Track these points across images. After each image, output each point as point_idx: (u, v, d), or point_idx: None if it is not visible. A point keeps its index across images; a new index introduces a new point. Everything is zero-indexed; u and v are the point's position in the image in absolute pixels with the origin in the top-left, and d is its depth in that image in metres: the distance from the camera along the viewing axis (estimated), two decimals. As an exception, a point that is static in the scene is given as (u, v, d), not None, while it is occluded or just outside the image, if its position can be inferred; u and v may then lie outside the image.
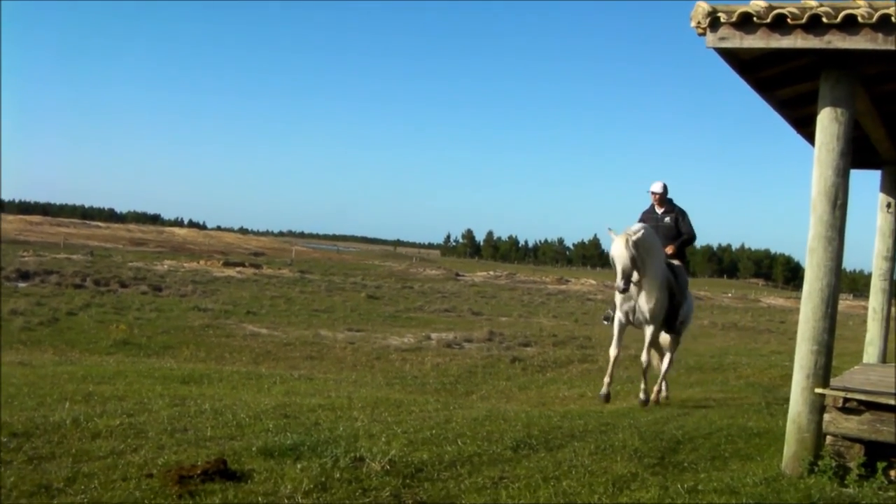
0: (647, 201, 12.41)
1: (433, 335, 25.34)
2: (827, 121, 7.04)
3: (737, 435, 8.87)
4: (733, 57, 7.43)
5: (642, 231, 10.96)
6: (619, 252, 10.74)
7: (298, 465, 6.07)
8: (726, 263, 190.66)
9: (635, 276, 10.97)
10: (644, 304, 11.23)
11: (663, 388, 12.38)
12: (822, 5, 6.63)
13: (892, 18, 6.43)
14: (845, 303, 68.08)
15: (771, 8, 6.74)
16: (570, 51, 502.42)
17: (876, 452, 7.13)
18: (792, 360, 7.37)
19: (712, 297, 78.32)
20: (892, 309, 11.60)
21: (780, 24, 6.77)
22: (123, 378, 11.12)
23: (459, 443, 7.26)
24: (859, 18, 6.52)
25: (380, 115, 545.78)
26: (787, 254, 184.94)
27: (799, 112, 9.34)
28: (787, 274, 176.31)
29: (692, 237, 12.35)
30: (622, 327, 11.57)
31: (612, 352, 11.65)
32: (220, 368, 14.60)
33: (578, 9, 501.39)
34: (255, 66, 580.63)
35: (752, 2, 6.82)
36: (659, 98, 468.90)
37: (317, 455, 6.35)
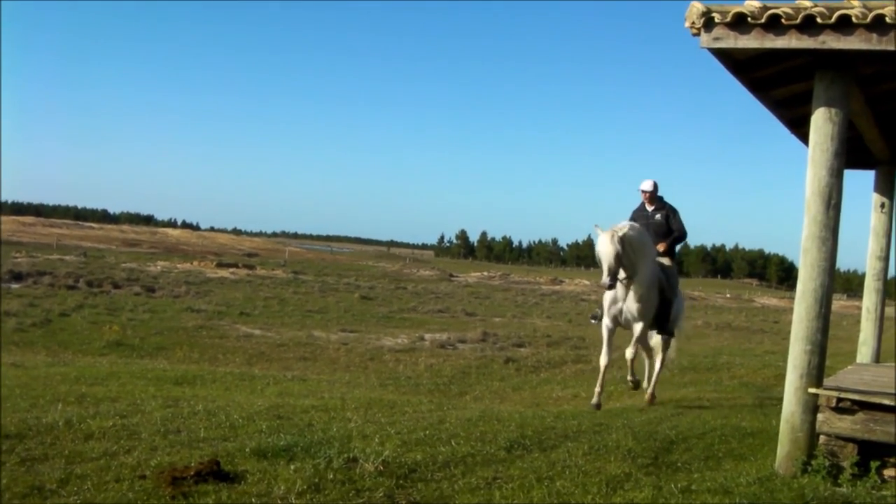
0: (640, 201, 12.38)
1: (427, 336, 25.35)
2: (821, 121, 7.05)
3: (730, 435, 8.88)
4: (728, 57, 7.43)
5: (630, 228, 10.91)
6: (604, 248, 10.64)
7: (292, 466, 6.06)
8: (720, 263, 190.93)
9: (622, 273, 10.87)
10: (632, 304, 11.09)
11: (644, 386, 12.29)
12: (816, 5, 6.63)
13: (887, 19, 6.43)
14: (839, 303, 68.14)
15: (765, 8, 6.75)
16: (566, 51, 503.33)
17: (869, 452, 7.15)
18: (786, 360, 7.37)
19: (706, 297, 78.44)
20: (886, 309, 11.62)
21: (774, 25, 6.77)
22: (116, 379, 11.10)
23: (453, 443, 7.25)
24: (853, 19, 6.53)
25: (374, 116, 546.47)
26: (780, 254, 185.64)
27: (793, 112, 9.34)
28: (781, 274, 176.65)
29: (683, 235, 12.30)
30: (611, 333, 11.38)
31: (603, 360, 11.46)
32: (213, 369, 14.58)
33: (574, 9, 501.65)
34: (249, 67, 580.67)
35: (746, 2, 6.82)
36: (653, 98, 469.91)
37: (310, 456, 6.34)
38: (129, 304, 28.53)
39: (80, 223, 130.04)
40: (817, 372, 7.13)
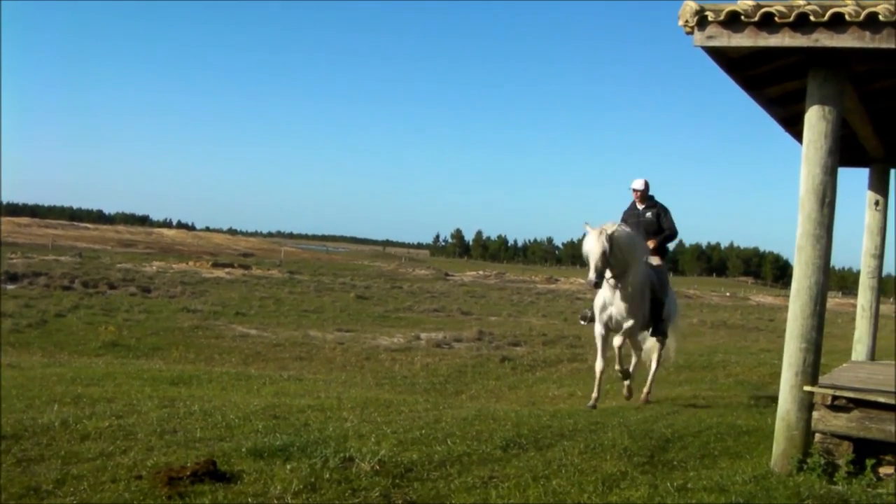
0: (631, 200, 12.38)
1: (423, 335, 25.33)
2: (815, 119, 7.06)
3: (726, 433, 8.89)
4: (721, 55, 7.44)
5: (618, 228, 10.92)
6: (591, 245, 10.62)
7: (288, 466, 6.06)
8: (715, 262, 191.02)
9: (608, 273, 10.85)
10: (621, 304, 11.04)
11: (626, 384, 12.19)
12: (809, 4, 6.65)
13: (880, 17, 6.45)
14: (834, 300, 68.29)
15: (758, 6, 6.76)
16: (561, 51, 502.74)
17: (865, 450, 7.16)
18: (781, 358, 7.39)
19: (701, 295, 78.46)
20: (881, 306, 11.63)
21: (767, 23, 6.79)
22: (112, 380, 11.08)
23: (449, 442, 7.26)
24: (847, 17, 6.54)
25: (371, 116, 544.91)
26: (775, 252, 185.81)
27: (787, 110, 9.36)
28: (776, 272, 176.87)
29: (674, 233, 12.29)
30: (604, 339, 11.35)
31: (598, 366, 11.45)
32: (209, 370, 14.57)
33: (573, 9, 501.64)
34: (246, 67, 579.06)
35: (739, 0, 6.84)
36: (650, 98, 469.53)
37: (306, 456, 6.34)
38: (124, 305, 28.50)
39: (76, 224, 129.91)
40: (812, 370, 7.14)
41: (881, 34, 6.54)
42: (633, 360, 12.33)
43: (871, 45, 6.59)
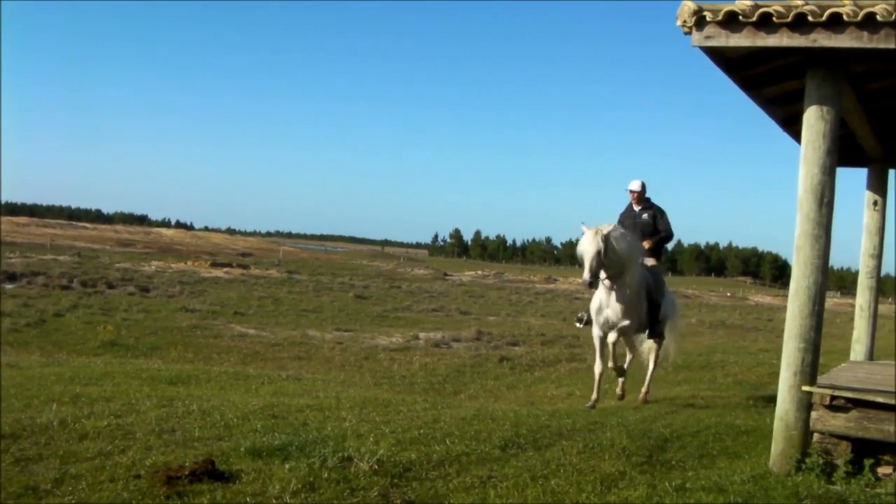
0: (629, 202, 12.38)
1: (421, 335, 25.33)
2: (813, 119, 7.07)
3: (724, 433, 8.90)
4: (719, 55, 7.45)
5: (614, 229, 10.92)
6: (586, 245, 10.61)
7: (286, 466, 6.06)
8: (714, 262, 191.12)
9: (603, 274, 10.84)
10: (617, 305, 11.02)
11: (620, 382, 12.16)
12: (807, 4, 6.65)
13: (878, 17, 6.46)
14: (832, 300, 68.28)
15: (756, 6, 6.77)
16: (561, 51, 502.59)
17: (863, 450, 7.17)
18: (779, 358, 7.38)
19: (700, 295, 78.49)
20: (880, 306, 11.64)
21: (765, 23, 6.79)
22: (111, 379, 11.08)
23: (448, 442, 7.26)
24: (845, 17, 6.55)
25: (369, 116, 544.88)
26: (774, 252, 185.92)
27: (785, 110, 9.37)
28: (775, 272, 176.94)
29: (669, 235, 12.29)
30: (602, 341, 11.32)
31: (597, 368, 11.46)
32: (207, 369, 14.56)
33: (574, 9, 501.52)
34: (244, 67, 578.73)
35: (737, 1, 6.84)
36: (648, 98, 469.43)
37: (305, 455, 6.34)
38: (123, 304, 28.49)
39: (74, 223, 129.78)
40: (811, 370, 7.15)
41: (879, 34, 6.54)
42: (628, 358, 12.32)
43: (869, 46, 6.60)
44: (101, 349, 18.71)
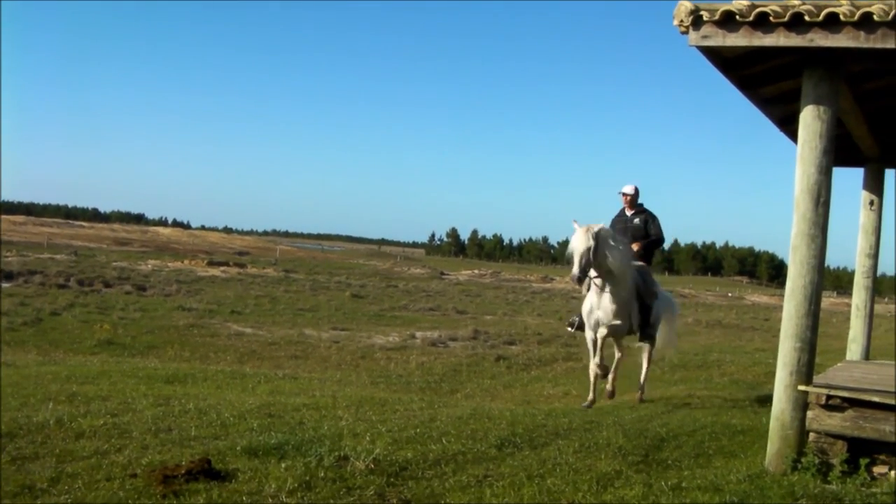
0: (621, 206, 12.36)
1: (418, 334, 25.35)
2: (810, 118, 7.07)
3: (721, 432, 8.90)
4: (716, 55, 7.45)
5: (605, 227, 10.96)
6: (576, 242, 10.65)
7: (283, 465, 6.06)
8: (710, 261, 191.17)
9: (593, 273, 10.87)
10: (608, 305, 11.05)
11: (610, 378, 12.16)
12: (804, 3, 6.65)
13: (875, 16, 6.46)
14: (829, 300, 68.39)
15: (753, 6, 6.77)
16: (561, 51, 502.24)
17: (859, 449, 7.18)
18: (776, 358, 7.39)
19: (696, 294, 78.56)
20: (876, 306, 11.64)
21: (762, 23, 6.80)
22: (107, 378, 11.07)
23: (444, 441, 7.27)
24: (841, 16, 6.55)
25: (366, 116, 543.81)
26: (770, 251, 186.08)
27: (782, 110, 9.37)
28: (771, 271, 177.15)
29: (661, 240, 12.27)
30: (595, 343, 11.38)
31: (593, 368, 11.55)
32: (204, 368, 14.56)
33: (574, 9, 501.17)
34: (243, 66, 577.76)
35: (734, 0, 6.84)
36: (642, 97, 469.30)
37: (301, 454, 6.34)
38: (120, 303, 28.48)
39: (71, 222, 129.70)
40: (807, 369, 7.15)
41: (876, 34, 6.55)
42: (617, 356, 12.33)
43: (865, 45, 6.60)
44: (98, 348, 18.72)
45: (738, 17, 6.82)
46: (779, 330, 7.43)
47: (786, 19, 6.68)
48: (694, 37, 7.01)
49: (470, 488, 6.03)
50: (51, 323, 22.38)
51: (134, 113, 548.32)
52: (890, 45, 6.54)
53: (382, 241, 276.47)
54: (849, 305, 12.56)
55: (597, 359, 11.34)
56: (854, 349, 11.52)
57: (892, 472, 7.10)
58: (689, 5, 6.94)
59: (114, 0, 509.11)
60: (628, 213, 12.20)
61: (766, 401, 10.12)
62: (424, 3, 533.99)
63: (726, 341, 30.07)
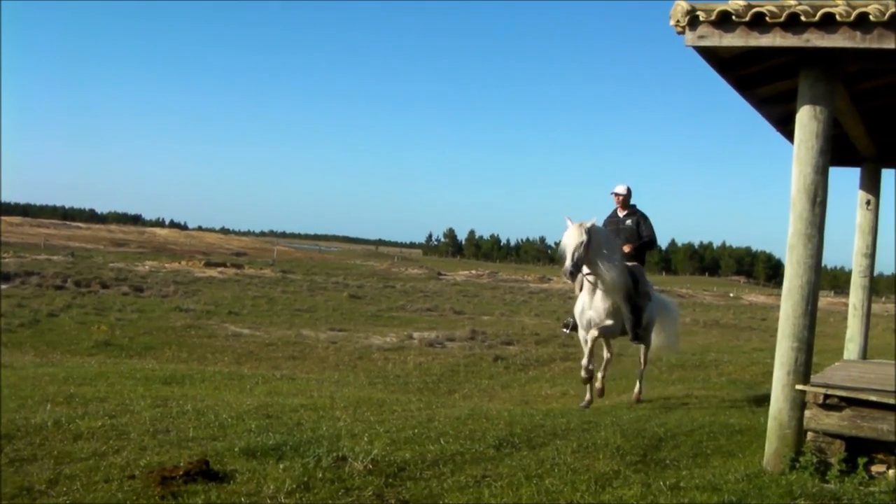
0: (613, 207, 12.36)
1: (415, 334, 25.34)
2: (806, 118, 7.08)
3: (719, 432, 8.91)
4: (712, 55, 7.46)
5: (596, 223, 10.97)
6: (568, 237, 10.66)
7: (281, 465, 6.07)
8: (708, 261, 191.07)
9: (585, 269, 10.87)
10: (599, 303, 11.05)
11: (599, 377, 12.14)
12: (800, 4, 6.66)
13: (871, 17, 6.47)
14: (826, 300, 68.41)
15: (749, 6, 6.78)
16: (561, 51, 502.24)
17: (857, 448, 7.19)
18: (773, 357, 7.40)
19: (694, 294, 78.56)
20: (873, 305, 11.65)
21: (758, 23, 6.81)
22: (105, 379, 11.07)
23: (442, 442, 7.27)
24: (837, 17, 6.56)
25: (365, 116, 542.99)
26: (768, 251, 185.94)
27: (779, 110, 9.39)
28: (769, 271, 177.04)
29: (653, 241, 12.23)
30: (594, 338, 11.42)
31: (585, 370, 11.51)
32: (202, 369, 14.56)
33: (568, 9, 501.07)
34: (239, 66, 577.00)
35: (730, 0, 6.85)
36: (639, 97, 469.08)
37: (299, 455, 6.35)
38: (117, 304, 28.46)
39: (68, 223, 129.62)
40: (804, 369, 7.16)
41: (872, 34, 6.56)
42: (606, 356, 12.33)
43: (861, 45, 6.61)
44: (96, 349, 18.70)
45: (734, 17, 6.83)
46: (776, 330, 7.44)
47: (782, 19, 6.69)
48: (690, 37, 7.01)
49: (468, 489, 6.04)
50: (48, 324, 22.36)
51: (132, 113, 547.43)
52: (886, 45, 6.55)
53: (380, 242, 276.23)
54: (846, 305, 12.56)
55: (584, 361, 11.35)
56: (851, 348, 11.53)
57: (890, 471, 7.11)
58: (686, 5, 6.95)
59: (114, 0, 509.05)
60: (620, 213, 12.19)
61: (763, 400, 10.13)
62: (424, 3, 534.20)
63: (724, 341, 30.08)
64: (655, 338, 12.60)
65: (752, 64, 7.81)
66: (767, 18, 6.74)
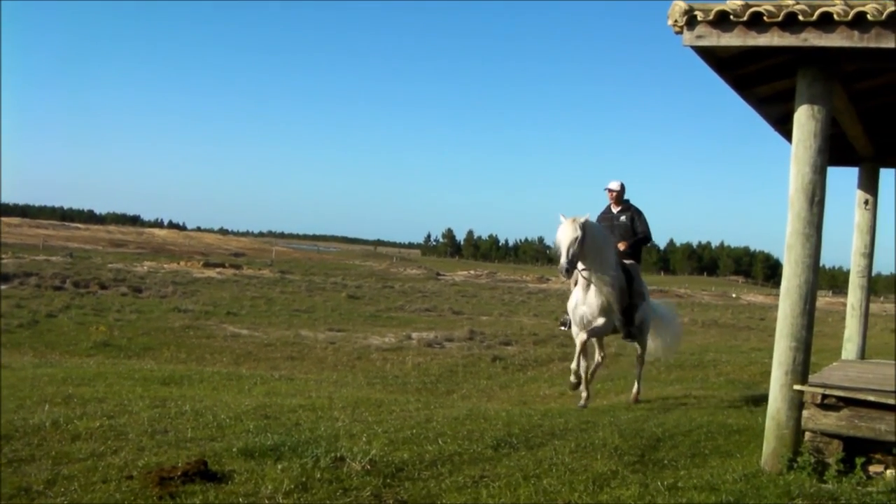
0: (606, 203, 12.36)
1: (414, 335, 25.34)
2: (804, 118, 7.08)
3: (717, 432, 8.91)
4: (710, 55, 7.46)
5: (590, 218, 10.98)
6: (563, 233, 10.65)
7: (279, 466, 6.07)
8: (706, 261, 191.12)
9: (581, 265, 10.87)
10: (592, 299, 11.05)
11: (590, 377, 12.14)
12: (798, 3, 6.67)
13: (868, 16, 6.47)
14: (824, 299, 68.44)
15: (747, 6, 6.78)
16: (557, 51, 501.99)
17: (854, 448, 7.18)
18: (771, 357, 7.40)
19: (692, 294, 78.56)
20: (871, 305, 11.65)
21: (756, 22, 6.81)
22: (103, 380, 11.08)
23: (440, 442, 7.27)
24: (835, 16, 6.57)
25: (364, 116, 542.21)
26: (766, 251, 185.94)
27: (777, 110, 9.39)
28: (767, 271, 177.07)
29: (648, 237, 12.20)
30: (583, 342, 11.41)
31: (583, 367, 11.59)
32: (200, 369, 14.56)
33: (568, 9, 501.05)
34: (239, 67, 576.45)
35: (728, 0, 6.86)
36: (638, 97, 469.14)
37: (297, 455, 6.35)
38: (115, 305, 28.46)
39: (66, 224, 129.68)
40: (802, 368, 7.16)
41: (869, 34, 6.56)
42: (597, 358, 12.32)
43: (859, 45, 6.62)
44: (94, 350, 18.69)
45: (732, 16, 6.83)
46: (774, 329, 7.45)
47: (780, 19, 6.69)
48: (688, 37, 7.02)
49: (466, 489, 6.04)
50: (47, 325, 22.36)
51: (132, 113, 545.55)
52: (884, 44, 6.55)
53: (378, 242, 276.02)
54: (844, 305, 12.56)
55: (574, 364, 11.37)
56: (849, 348, 11.53)
57: (888, 471, 7.11)
58: (684, 5, 6.96)
59: (114, 0, 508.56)
60: (614, 209, 12.16)
61: (761, 400, 10.12)
62: (424, 3, 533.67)
63: (722, 341, 30.08)
64: (651, 343, 12.61)
65: (750, 63, 7.81)
66: (765, 18, 6.74)
